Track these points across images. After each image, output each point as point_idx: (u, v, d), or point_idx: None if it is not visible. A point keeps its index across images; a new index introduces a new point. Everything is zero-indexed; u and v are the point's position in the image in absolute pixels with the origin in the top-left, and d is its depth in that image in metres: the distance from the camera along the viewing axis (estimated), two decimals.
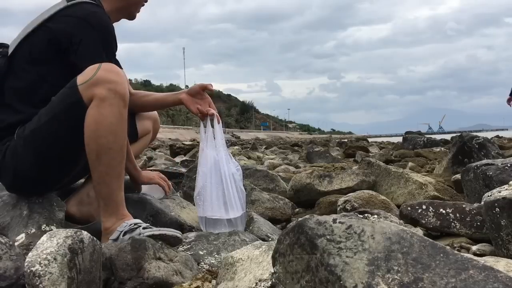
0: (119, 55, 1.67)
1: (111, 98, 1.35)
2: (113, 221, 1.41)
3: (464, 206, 1.61)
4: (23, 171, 1.47)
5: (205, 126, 1.71)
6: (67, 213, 1.64)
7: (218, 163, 1.66)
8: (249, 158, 6.72)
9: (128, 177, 1.81)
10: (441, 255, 0.73)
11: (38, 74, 1.52)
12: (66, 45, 1.49)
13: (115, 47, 1.59)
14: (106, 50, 1.52)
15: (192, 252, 1.41)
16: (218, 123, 1.72)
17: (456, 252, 0.74)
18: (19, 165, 1.47)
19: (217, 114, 1.74)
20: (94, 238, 1.09)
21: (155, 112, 2.00)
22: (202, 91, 1.75)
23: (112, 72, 1.38)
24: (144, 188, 1.87)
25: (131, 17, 1.78)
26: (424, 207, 1.65)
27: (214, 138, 1.69)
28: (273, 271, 0.91)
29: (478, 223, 1.53)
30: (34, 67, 1.53)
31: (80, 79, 1.38)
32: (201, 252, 1.42)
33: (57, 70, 1.52)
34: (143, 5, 1.77)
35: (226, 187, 1.65)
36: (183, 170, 3.26)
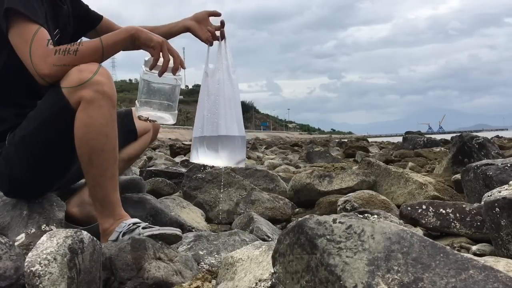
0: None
1: (99, 99, 1.33)
2: (111, 222, 1.41)
3: (464, 206, 1.61)
4: (18, 178, 1.47)
5: (210, 45, 1.66)
6: (68, 213, 1.63)
7: (231, 84, 1.61)
8: (249, 158, 6.72)
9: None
10: (441, 255, 0.73)
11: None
12: None
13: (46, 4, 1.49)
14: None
15: (192, 252, 1.41)
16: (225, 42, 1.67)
17: (456, 252, 0.74)
18: (13, 172, 1.46)
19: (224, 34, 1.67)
20: (94, 238, 1.09)
21: None
22: (207, 18, 1.69)
23: (97, 73, 1.35)
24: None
25: None
26: (424, 207, 1.65)
27: (228, 62, 1.64)
28: (273, 271, 0.91)
29: (478, 223, 1.53)
30: None
31: (65, 82, 1.35)
32: (201, 252, 1.42)
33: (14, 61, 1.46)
34: None
35: (235, 108, 1.60)
36: (183, 170, 3.26)
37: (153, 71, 1.43)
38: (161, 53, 1.41)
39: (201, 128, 1.57)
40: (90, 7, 1.80)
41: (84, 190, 1.72)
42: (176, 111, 1.52)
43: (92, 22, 1.76)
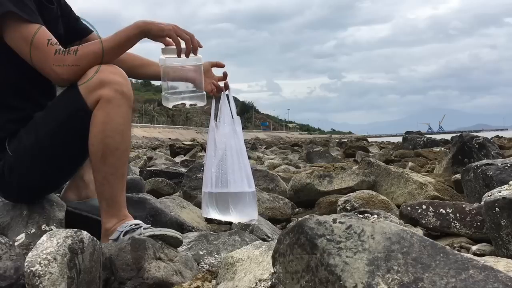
0: None
1: (118, 98, 1.34)
2: (114, 222, 1.41)
3: (464, 206, 1.61)
4: (30, 184, 1.45)
5: (217, 102, 1.64)
6: (66, 199, 1.65)
7: (237, 137, 1.60)
8: (249, 158, 6.72)
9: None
10: (441, 255, 0.73)
11: None
12: None
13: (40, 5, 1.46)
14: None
15: (192, 252, 1.41)
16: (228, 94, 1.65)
17: (456, 252, 0.74)
18: (24, 179, 1.43)
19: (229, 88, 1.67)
20: (94, 238, 1.09)
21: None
22: (211, 69, 1.69)
23: (116, 73, 1.37)
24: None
25: None
26: (424, 207, 1.65)
27: (232, 114, 1.63)
28: (273, 271, 0.91)
29: (478, 223, 1.53)
30: None
31: (82, 80, 1.35)
32: (201, 252, 1.42)
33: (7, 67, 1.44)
34: None
35: (243, 161, 1.59)
36: (183, 170, 3.26)
37: (172, 56, 1.41)
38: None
39: (210, 184, 1.57)
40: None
41: (77, 177, 1.71)
42: (204, 92, 1.51)
43: (79, 33, 1.69)
